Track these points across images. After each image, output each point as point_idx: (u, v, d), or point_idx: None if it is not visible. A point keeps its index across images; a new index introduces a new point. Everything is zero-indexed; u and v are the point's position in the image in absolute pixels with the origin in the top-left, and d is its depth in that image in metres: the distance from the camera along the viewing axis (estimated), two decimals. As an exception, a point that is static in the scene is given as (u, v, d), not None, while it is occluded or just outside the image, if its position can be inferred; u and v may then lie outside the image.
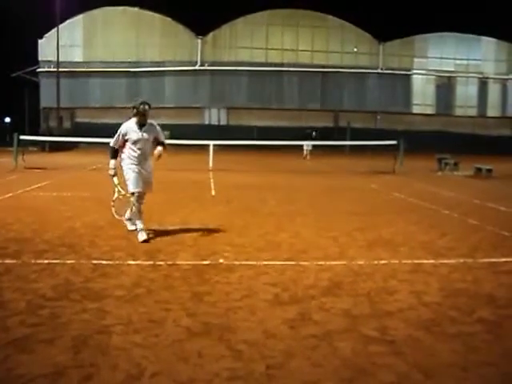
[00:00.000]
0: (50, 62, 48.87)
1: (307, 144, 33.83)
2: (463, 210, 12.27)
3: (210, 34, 52.98)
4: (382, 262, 7.04)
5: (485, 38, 55.07)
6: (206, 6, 46.13)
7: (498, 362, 4.00)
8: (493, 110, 56.68)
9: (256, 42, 53.16)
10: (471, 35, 54.35)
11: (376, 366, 3.89)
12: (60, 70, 43.61)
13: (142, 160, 8.24)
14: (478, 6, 44.60)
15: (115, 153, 8.27)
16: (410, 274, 6.45)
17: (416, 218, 11.01)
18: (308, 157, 34.91)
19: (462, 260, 7.20)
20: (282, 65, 53.12)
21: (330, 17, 53.25)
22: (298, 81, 53.40)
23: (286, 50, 53.51)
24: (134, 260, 6.82)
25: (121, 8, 52.44)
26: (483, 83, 56.19)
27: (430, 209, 12.46)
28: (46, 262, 6.62)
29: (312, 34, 53.47)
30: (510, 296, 5.64)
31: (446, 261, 7.15)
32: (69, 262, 6.65)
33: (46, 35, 50.68)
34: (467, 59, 55.51)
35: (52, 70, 46.95)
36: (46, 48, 49.84)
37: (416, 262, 7.07)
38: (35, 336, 4.28)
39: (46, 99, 50.14)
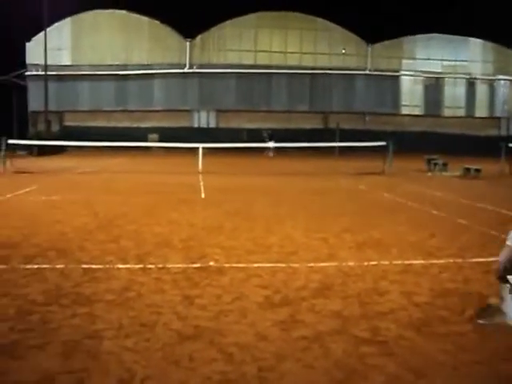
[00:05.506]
0: (37, 65, 48.57)
1: (270, 145, 37.54)
2: (452, 209, 12.33)
3: (199, 37, 52.91)
4: (372, 262, 7.05)
5: (472, 39, 55.39)
6: (195, 8, 46.02)
7: (488, 360, 4.03)
8: (480, 111, 57.01)
9: (244, 45, 53.15)
10: (458, 36, 54.66)
11: (367, 366, 3.90)
12: (48, 73, 43.37)
13: None
14: (465, 7, 44.91)
15: None
16: (400, 275, 6.46)
17: (405, 218, 11.05)
18: (271, 154, 38.85)
19: (451, 260, 7.24)
20: (270, 67, 53.13)
21: (319, 19, 53.36)
22: (286, 83, 53.41)
23: (275, 52, 53.51)
24: (123, 264, 6.79)
25: (109, 11, 52.26)
26: (471, 84, 56.52)
27: (419, 209, 12.50)
28: (35, 266, 6.58)
29: (300, 36, 53.54)
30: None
31: (435, 261, 7.18)
32: (58, 266, 6.60)
33: (34, 38, 50.37)
34: (455, 60, 55.82)
35: (40, 73, 46.63)
36: (34, 51, 49.51)
37: (406, 262, 7.09)
38: (25, 342, 4.25)
39: (34, 103, 49.83)
